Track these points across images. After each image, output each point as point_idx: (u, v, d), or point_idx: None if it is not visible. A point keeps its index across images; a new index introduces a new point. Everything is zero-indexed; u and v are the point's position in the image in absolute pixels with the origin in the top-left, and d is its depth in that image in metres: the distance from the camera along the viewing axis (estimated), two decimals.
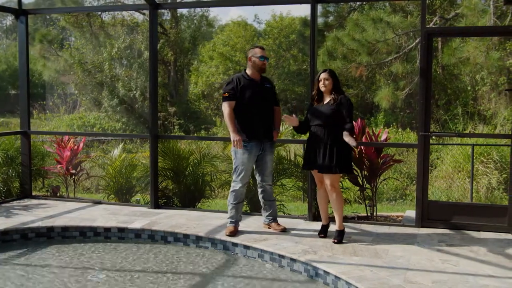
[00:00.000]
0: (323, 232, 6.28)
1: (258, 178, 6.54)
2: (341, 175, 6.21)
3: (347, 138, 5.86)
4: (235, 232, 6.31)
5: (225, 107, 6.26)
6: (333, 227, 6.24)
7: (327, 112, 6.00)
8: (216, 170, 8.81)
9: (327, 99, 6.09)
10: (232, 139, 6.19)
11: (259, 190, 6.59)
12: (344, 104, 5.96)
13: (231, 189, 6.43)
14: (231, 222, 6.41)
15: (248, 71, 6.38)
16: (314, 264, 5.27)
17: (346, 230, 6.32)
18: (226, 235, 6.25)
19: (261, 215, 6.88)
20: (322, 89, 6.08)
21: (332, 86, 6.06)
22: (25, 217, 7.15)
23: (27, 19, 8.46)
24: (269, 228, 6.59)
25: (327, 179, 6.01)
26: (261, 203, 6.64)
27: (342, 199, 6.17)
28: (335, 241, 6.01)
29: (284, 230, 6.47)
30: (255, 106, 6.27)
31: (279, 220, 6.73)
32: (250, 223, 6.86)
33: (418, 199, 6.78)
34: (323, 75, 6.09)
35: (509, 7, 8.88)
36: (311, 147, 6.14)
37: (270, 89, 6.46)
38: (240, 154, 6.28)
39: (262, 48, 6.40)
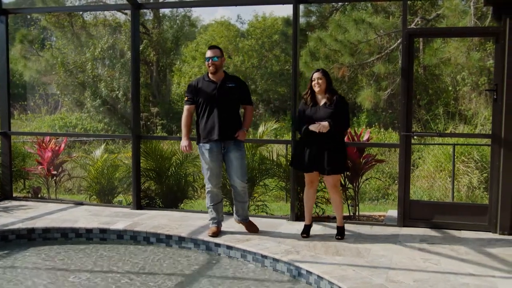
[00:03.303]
0: (306, 232, 6.30)
1: (229, 180, 6.49)
2: (340, 175, 6.29)
3: (316, 126, 5.93)
4: (217, 233, 6.30)
5: (183, 112, 6.41)
6: (316, 227, 6.27)
7: (326, 114, 5.97)
8: (198, 171, 8.78)
9: (322, 100, 6.08)
10: (181, 144, 6.35)
11: (232, 189, 6.54)
12: (340, 105, 5.99)
13: (206, 191, 6.44)
14: (213, 223, 6.40)
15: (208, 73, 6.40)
16: (297, 264, 5.28)
17: (328, 230, 6.39)
18: (209, 235, 6.24)
19: None
20: (316, 89, 6.05)
21: (326, 85, 6.06)
22: (6, 218, 7.09)
23: (7, 19, 8.38)
24: (241, 224, 6.57)
25: (330, 180, 6.08)
26: (234, 201, 6.60)
27: (342, 198, 6.32)
28: (339, 237, 6.14)
29: (256, 231, 6.46)
30: (211, 106, 6.23)
31: (262, 220, 6.76)
32: (233, 223, 6.84)
33: (400, 199, 6.82)
34: (316, 75, 6.07)
35: (489, 8, 8.97)
36: (309, 149, 6.08)
37: (234, 88, 6.33)
38: (201, 154, 6.33)
39: (211, 48, 6.37)
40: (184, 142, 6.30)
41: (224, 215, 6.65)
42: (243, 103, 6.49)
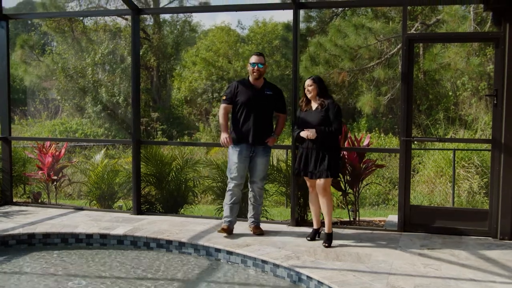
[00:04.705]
0: (312, 236, 6.32)
1: (249, 180, 6.70)
2: (331, 179, 6.26)
3: (305, 132, 6.09)
4: (228, 231, 6.44)
5: (220, 109, 6.62)
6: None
7: (316, 118, 6.13)
8: (199, 176, 8.79)
9: (314, 105, 6.21)
10: (221, 138, 6.49)
11: (249, 189, 6.72)
12: (331, 110, 6.05)
13: (227, 189, 6.61)
14: (225, 222, 6.54)
15: (250, 77, 6.59)
16: (297, 269, 5.28)
17: None
18: (218, 232, 6.46)
19: (244, 219, 7.01)
20: (308, 95, 6.25)
21: (317, 91, 6.18)
22: (6, 224, 7.08)
23: (8, 24, 8.39)
24: (250, 228, 6.73)
25: (319, 183, 6.11)
26: (249, 203, 6.79)
27: (332, 203, 6.26)
28: (326, 244, 6.08)
29: (259, 234, 6.58)
30: (248, 110, 6.47)
31: (262, 225, 6.79)
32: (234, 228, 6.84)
33: (400, 204, 6.82)
34: (307, 82, 6.27)
35: (489, 13, 8.99)
36: (301, 153, 6.26)
37: (271, 96, 6.59)
38: (231, 154, 6.55)
39: (257, 54, 6.62)
40: (224, 135, 6.48)
41: (236, 218, 6.76)
42: (277, 111, 6.72)
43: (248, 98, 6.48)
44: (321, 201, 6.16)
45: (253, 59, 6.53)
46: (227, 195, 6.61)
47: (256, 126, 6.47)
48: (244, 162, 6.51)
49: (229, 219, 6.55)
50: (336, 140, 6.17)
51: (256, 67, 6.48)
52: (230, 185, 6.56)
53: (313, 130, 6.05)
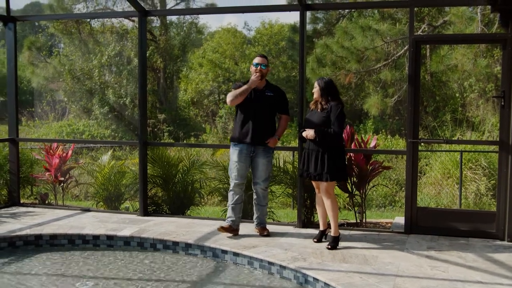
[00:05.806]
0: (318, 238, 6.32)
1: (252, 181, 6.71)
2: (335, 182, 6.23)
3: (305, 132, 6.15)
4: (229, 230, 6.49)
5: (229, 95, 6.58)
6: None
7: (317, 119, 6.14)
8: (205, 177, 8.79)
9: (320, 106, 6.22)
10: (252, 80, 6.50)
11: (253, 191, 6.72)
12: (333, 112, 6.03)
13: (229, 189, 6.66)
14: (227, 221, 6.59)
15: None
16: (304, 271, 5.27)
17: None
18: (218, 230, 6.49)
19: (250, 221, 7.00)
20: (314, 96, 6.28)
21: (319, 94, 6.18)
22: (13, 225, 7.11)
23: (16, 26, 8.43)
24: (256, 230, 6.73)
25: (321, 186, 6.12)
26: (254, 204, 6.78)
27: (337, 205, 6.23)
28: (329, 246, 6.05)
29: (265, 235, 6.59)
30: (248, 111, 6.51)
31: (269, 227, 6.79)
32: (239, 229, 6.84)
33: (407, 206, 6.80)
34: (315, 83, 6.28)
35: (496, 14, 8.96)
36: (305, 155, 6.27)
37: (272, 97, 6.60)
38: (231, 154, 6.59)
39: (261, 56, 6.70)
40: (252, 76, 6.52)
41: (240, 219, 6.76)
42: (279, 112, 6.74)
43: (248, 99, 6.50)
44: (325, 203, 6.16)
45: (257, 60, 6.60)
46: (230, 196, 6.65)
47: (255, 126, 6.48)
48: (245, 161, 6.53)
49: (231, 218, 6.59)
50: (337, 142, 6.11)
51: (259, 68, 6.53)
52: (231, 184, 6.61)
53: (312, 130, 6.06)
